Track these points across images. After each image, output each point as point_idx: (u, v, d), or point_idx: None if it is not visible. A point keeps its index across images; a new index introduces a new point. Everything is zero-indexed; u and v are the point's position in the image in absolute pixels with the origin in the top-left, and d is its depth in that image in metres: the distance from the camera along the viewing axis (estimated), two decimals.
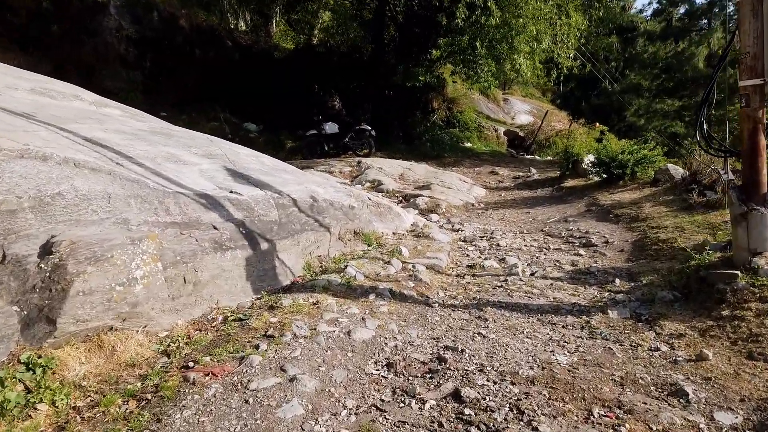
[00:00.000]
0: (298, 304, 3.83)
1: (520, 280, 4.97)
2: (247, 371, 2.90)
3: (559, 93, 30.61)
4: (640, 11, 46.69)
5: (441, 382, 2.90)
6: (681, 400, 2.72)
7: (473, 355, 3.24)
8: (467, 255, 6.03)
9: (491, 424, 2.47)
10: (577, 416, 2.55)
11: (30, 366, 2.67)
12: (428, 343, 3.48)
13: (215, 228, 3.98)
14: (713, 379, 2.92)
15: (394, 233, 6.53)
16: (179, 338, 3.33)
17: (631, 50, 25.32)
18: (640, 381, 2.93)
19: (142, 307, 3.23)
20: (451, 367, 3.06)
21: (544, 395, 2.74)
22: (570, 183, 11.27)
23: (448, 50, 15.30)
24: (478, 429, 2.44)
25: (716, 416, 2.56)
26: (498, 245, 6.42)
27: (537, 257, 5.88)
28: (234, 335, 3.36)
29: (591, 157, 11.19)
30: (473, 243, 6.59)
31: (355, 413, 2.63)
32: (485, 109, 23.97)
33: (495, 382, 2.88)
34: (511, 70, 15.37)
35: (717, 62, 4.75)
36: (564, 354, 3.29)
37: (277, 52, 18.40)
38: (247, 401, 2.65)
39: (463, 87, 20.00)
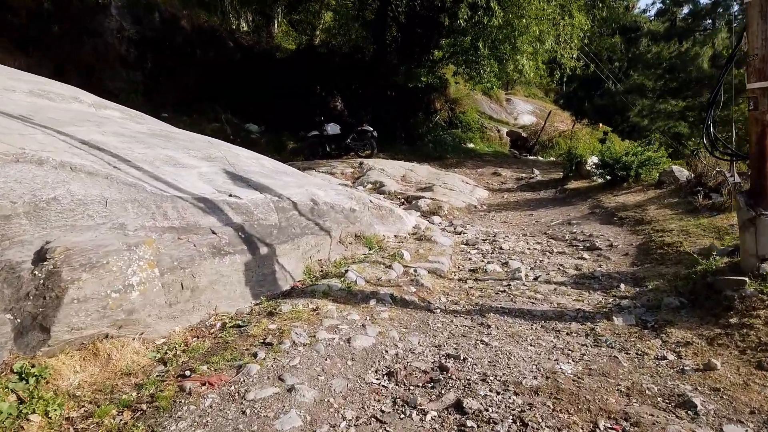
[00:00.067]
0: (298, 310, 3.77)
1: (524, 284, 4.90)
2: (244, 381, 2.84)
3: (562, 93, 30.56)
4: (644, 11, 46.37)
5: (442, 392, 2.83)
6: (689, 412, 2.65)
7: (476, 364, 3.17)
8: (470, 258, 5.96)
9: None
10: (582, 429, 2.48)
11: (23, 375, 2.62)
12: (430, 350, 3.41)
13: (214, 232, 3.93)
14: (722, 389, 2.85)
15: (395, 236, 6.47)
16: (176, 346, 3.27)
17: (635, 50, 25.26)
18: (647, 392, 2.85)
19: (139, 314, 3.17)
20: (453, 377, 3.00)
21: (548, 406, 2.67)
22: (573, 185, 11.19)
23: (451, 51, 15.24)
24: None
25: (725, 429, 2.49)
26: (501, 248, 6.35)
27: (540, 261, 5.81)
28: (232, 343, 3.30)
29: (595, 159, 11.12)
30: (476, 246, 6.53)
31: (354, 425, 2.56)
32: (488, 110, 23.87)
33: (498, 393, 2.81)
34: (514, 71, 15.32)
35: (724, 64, 4.68)
36: (568, 363, 3.22)
37: (279, 52, 18.35)
38: (244, 412, 2.59)
39: (465, 87, 19.94)
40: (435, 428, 2.52)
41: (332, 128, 13.56)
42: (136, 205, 3.61)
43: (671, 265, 5.09)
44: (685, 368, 3.12)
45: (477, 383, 2.92)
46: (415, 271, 5.04)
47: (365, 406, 2.73)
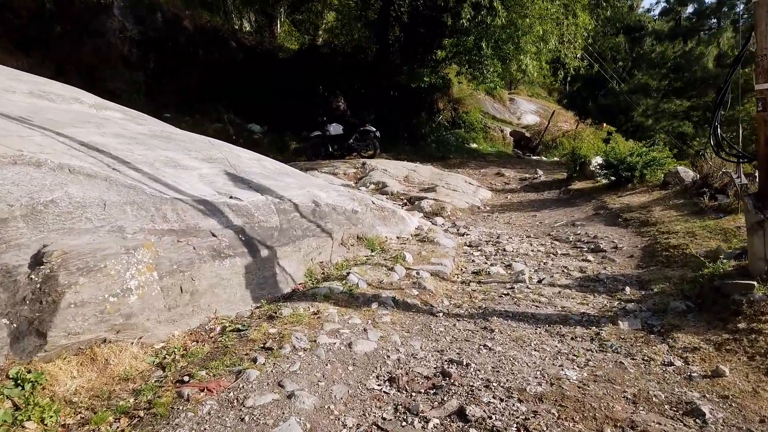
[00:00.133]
0: (299, 313, 3.73)
1: (527, 287, 4.84)
2: (243, 387, 2.80)
3: (566, 93, 30.45)
4: (648, 11, 46.26)
5: (445, 399, 2.78)
6: (697, 420, 2.59)
7: (479, 370, 3.12)
8: (473, 260, 5.91)
9: None
10: None
11: (19, 381, 2.58)
12: (432, 356, 3.36)
13: (214, 235, 3.88)
14: (731, 397, 2.79)
15: (398, 237, 6.42)
16: (175, 350, 3.23)
17: (639, 50, 25.14)
18: (654, 399, 2.80)
19: (137, 318, 3.13)
20: (456, 383, 2.94)
21: (553, 414, 2.62)
22: (577, 185, 11.11)
23: (454, 51, 15.16)
24: None
25: None
26: (504, 250, 6.29)
27: (544, 263, 5.75)
28: (231, 347, 3.26)
29: (599, 159, 11.04)
30: (479, 248, 6.47)
31: None
32: (491, 110, 23.79)
33: (502, 400, 2.76)
34: (517, 71, 15.23)
35: (731, 64, 4.61)
36: (573, 369, 3.16)
37: (282, 52, 18.31)
38: (242, 419, 2.54)
39: (468, 87, 19.86)
40: None
41: (335, 128, 13.51)
42: (135, 208, 3.58)
43: (677, 268, 5.03)
44: (693, 375, 3.06)
45: (480, 390, 2.86)
46: (418, 273, 4.99)
47: (366, 413, 2.68)
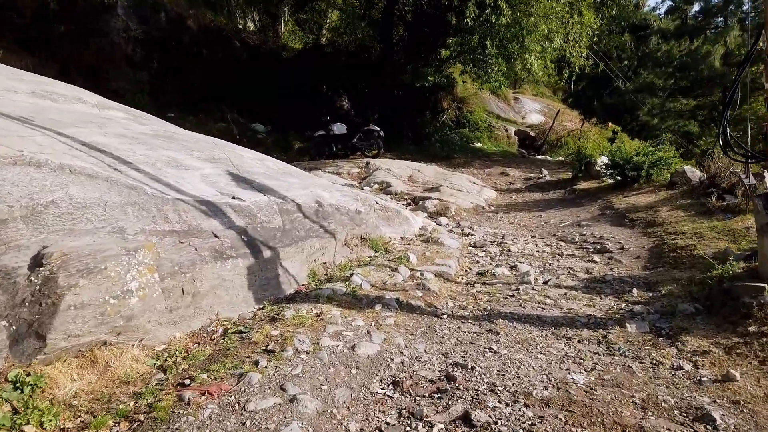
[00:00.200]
0: (301, 315, 3.69)
1: (533, 289, 4.79)
2: (245, 390, 2.76)
3: (571, 92, 30.31)
4: (654, 9, 46.06)
5: (450, 403, 2.73)
6: (708, 426, 2.53)
7: (484, 373, 3.07)
8: (477, 261, 5.85)
9: None
10: None
11: (18, 384, 2.55)
12: (436, 358, 3.31)
13: (216, 236, 3.84)
14: (742, 402, 2.73)
15: (402, 238, 6.37)
16: (177, 352, 3.19)
17: (645, 49, 24.98)
18: (663, 404, 2.74)
19: (138, 320, 3.10)
20: (461, 387, 2.89)
21: (560, 419, 2.57)
22: (583, 185, 11.03)
23: (458, 50, 15.06)
24: None
25: None
26: (509, 251, 6.23)
27: (550, 264, 5.68)
28: (233, 350, 3.22)
29: (604, 159, 10.95)
30: (483, 248, 6.41)
31: None
32: (495, 109, 23.69)
33: (507, 404, 2.71)
34: (522, 70, 15.11)
35: (740, 63, 4.53)
36: (580, 372, 3.11)
37: (285, 52, 18.27)
38: (243, 424, 2.50)
39: (473, 86, 19.74)
40: None
41: (338, 128, 13.46)
42: (137, 209, 3.54)
43: (685, 270, 4.96)
44: (703, 379, 3.00)
45: (485, 394, 2.82)
46: (422, 274, 4.94)
47: (369, 418, 2.64)
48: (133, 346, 3.07)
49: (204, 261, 3.62)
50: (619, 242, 6.42)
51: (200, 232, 3.77)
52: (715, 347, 3.36)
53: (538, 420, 2.56)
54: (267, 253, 4.20)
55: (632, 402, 2.76)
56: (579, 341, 3.61)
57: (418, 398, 2.82)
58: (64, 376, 2.73)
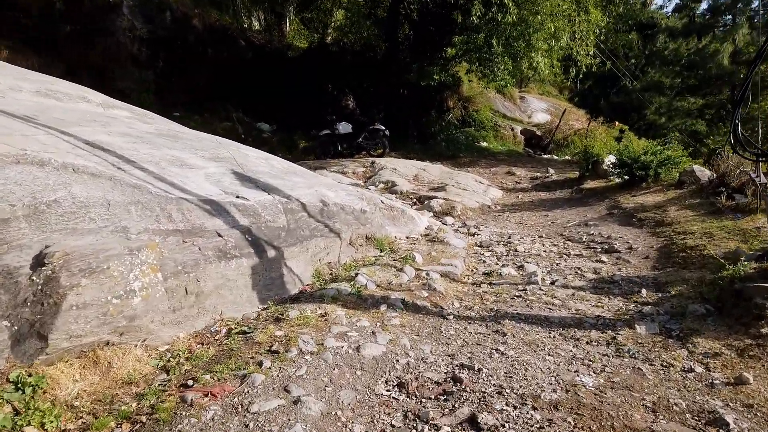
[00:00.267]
0: (306, 315, 3.65)
1: (540, 289, 4.73)
2: (248, 392, 2.72)
3: (577, 91, 30.13)
4: (661, 7, 45.76)
5: (456, 405, 2.69)
6: (721, 430, 2.47)
7: (491, 375, 3.01)
8: (484, 261, 5.79)
9: None
10: None
11: (19, 385, 2.52)
12: (443, 360, 3.26)
13: (220, 235, 3.81)
14: (755, 406, 2.67)
15: (407, 237, 6.32)
16: (180, 353, 3.16)
17: (652, 47, 24.77)
18: (675, 407, 2.68)
19: (141, 320, 3.06)
20: (468, 389, 2.84)
21: (569, 423, 2.52)
22: (590, 184, 10.94)
23: (464, 48, 14.98)
24: None
25: None
26: (516, 251, 6.17)
27: (557, 264, 5.62)
28: (237, 350, 3.18)
29: (612, 158, 10.85)
30: (490, 248, 6.35)
31: None
32: (501, 108, 23.60)
33: (515, 407, 2.66)
34: (528, 68, 15.02)
35: (752, 61, 4.45)
36: (589, 375, 3.05)
37: (291, 51, 18.26)
38: (247, 426, 2.46)
39: (478, 85, 19.67)
40: None
41: (344, 127, 13.44)
42: (140, 208, 3.51)
43: (695, 270, 4.88)
44: (715, 382, 2.94)
45: (493, 396, 2.77)
46: (428, 274, 4.89)
47: (374, 420, 2.60)
48: (136, 346, 3.04)
49: (208, 260, 3.59)
50: (628, 242, 6.34)
51: (204, 232, 3.73)
52: (727, 349, 3.30)
53: (547, 423, 2.50)
54: (271, 253, 4.17)
55: (643, 405, 2.70)
56: (587, 342, 3.56)
57: (423, 400, 2.77)
58: (66, 377, 2.70)
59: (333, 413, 2.62)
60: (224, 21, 17.24)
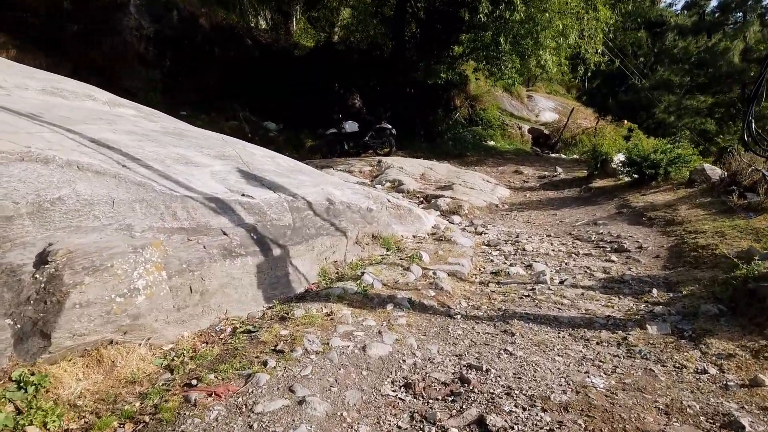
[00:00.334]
0: (311, 315, 3.60)
1: (549, 288, 4.66)
2: (253, 392, 2.68)
3: (585, 89, 29.99)
4: (670, 5, 45.27)
5: (464, 407, 2.63)
6: None
7: (499, 376, 2.96)
8: (491, 260, 5.73)
9: None
10: None
11: (21, 384, 2.49)
12: (450, 360, 3.21)
13: (225, 234, 3.78)
14: None
15: (414, 236, 6.27)
16: (184, 352, 3.13)
17: (661, 45, 24.57)
18: (688, 409, 2.61)
19: (145, 319, 3.04)
20: (475, 390, 2.79)
21: (580, 425, 2.46)
22: (599, 183, 10.84)
23: (471, 46, 14.89)
24: None
25: None
26: (524, 250, 6.10)
27: (566, 263, 5.55)
28: (242, 349, 3.15)
29: (621, 156, 10.74)
30: (497, 247, 6.29)
31: None
32: (509, 107, 23.48)
33: (524, 409, 2.60)
34: (536, 67, 14.91)
35: (765, 59, 4.37)
36: (600, 376, 2.98)
37: (297, 50, 18.26)
38: (251, 426, 2.42)
39: (486, 84, 19.57)
40: None
41: (350, 126, 13.41)
42: (145, 206, 3.48)
43: (707, 269, 4.79)
44: (729, 384, 2.87)
45: (501, 397, 2.71)
46: (434, 273, 4.84)
47: (380, 421, 2.55)
48: (139, 345, 3.01)
49: (213, 259, 3.56)
50: (637, 241, 6.26)
51: (209, 230, 3.70)
52: (741, 350, 3.22)
53: (557, 425, 2.45)
54: (277, 251, 4.13)
55: (655, 407, 2.63)
56: (598, 343, 3.49)
57: (430, 401, 2.72)
58: (69, 376, 2.68)
59: (338, 414, 2.58)
60: (231, 20, 17.26)
